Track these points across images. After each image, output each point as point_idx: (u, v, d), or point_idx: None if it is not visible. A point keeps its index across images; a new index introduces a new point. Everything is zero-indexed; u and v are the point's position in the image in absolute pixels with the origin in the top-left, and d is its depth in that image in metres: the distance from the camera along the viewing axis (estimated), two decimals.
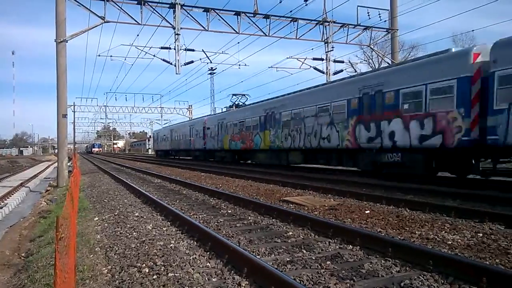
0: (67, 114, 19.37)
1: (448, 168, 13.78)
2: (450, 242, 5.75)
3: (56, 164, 22.90)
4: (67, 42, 18.48)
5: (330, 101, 17.76)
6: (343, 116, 16.74)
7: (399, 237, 6.13)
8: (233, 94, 33.84)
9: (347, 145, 16.54)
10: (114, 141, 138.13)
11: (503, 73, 10.69)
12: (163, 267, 4.98)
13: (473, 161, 12.42)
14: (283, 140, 21.45)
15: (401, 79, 13.95)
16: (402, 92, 13.74)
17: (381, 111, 14.65)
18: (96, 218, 8.88)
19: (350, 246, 5.67)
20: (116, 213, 9.29)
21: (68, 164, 20.72)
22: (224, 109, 36.13)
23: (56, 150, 24.27)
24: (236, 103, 33.27)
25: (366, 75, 16.61)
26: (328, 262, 4.96)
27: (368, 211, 8.35)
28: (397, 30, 25.80)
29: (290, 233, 6.59)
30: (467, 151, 12.03)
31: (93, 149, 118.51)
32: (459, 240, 5.85)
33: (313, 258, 5.17)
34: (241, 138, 27.21)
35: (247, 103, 31.60)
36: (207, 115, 40.29)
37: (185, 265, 5.03)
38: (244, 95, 33.67)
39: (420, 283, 4.19)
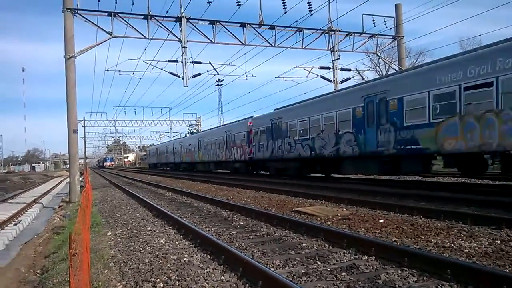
0: (77, 129, 19.56)
1: (256, 169, 29.43)
2: (467, 250, 5.66)
3: (68, 180, 23.07)
4: (75, 58, 18.74)
5: (217, 137, 34.60)
6: (223, 144, 32.75)
7: (414, 246, 6.05)
8: (190, 125, 60.50)
9: (225, 159, 32.51)
10: (125, 155, 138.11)
11: (254, 131, 26.37)
12: (177, 282, 4.96)
13: (268, 166, 26.37)
14: (207, 156, 37.70)
15: (237, 129, 30.22)
16: (235, 135, 30.15)
17: (231, 144, 30.92)
18: (109, 233, 8.91)
19: (365, 256, 5.61)
20: (128, 228, 9.31)
21: (80, 179, 20.86)
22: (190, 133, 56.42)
23: (68, 165, 24.46)
24: (191, 131, 56.57)
25: (228, 125, 34.54)
26: (344, 274, 4.90)
27: (382, 220, 8.26)
28: (403, 36, 25.77)
29: (304, 244, 6.54)
30: (250, 162, 28.29)
31: (105, 163, 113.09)
32: (477, 248, 5.76)
33: (328, 269, 5.12)
34: (190, 155, 44.24)
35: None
36: (176, 138, 58.24)
37: (199, 279, 5.01)
38: (196, 124, 58.70)
39: None
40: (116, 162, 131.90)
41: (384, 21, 24.04)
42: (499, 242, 6.05)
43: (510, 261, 5.08)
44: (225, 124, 37.07)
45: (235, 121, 32.72)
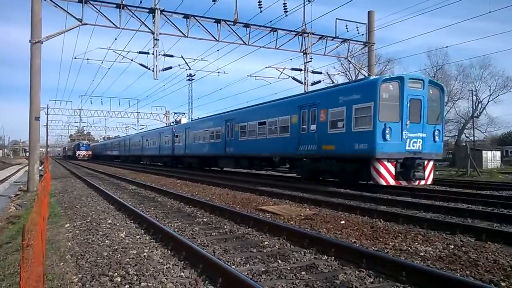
0: (40, 117, 18.90)
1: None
2: (422, 254, 5.85)
3: (27, 168, 22.23)
4: (42, 43, 18.08)
5: (117, 142, 63.23)
6: (123, 147, 58.65)
7: (373, 248, 6.19)
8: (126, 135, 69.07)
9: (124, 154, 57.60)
10: None
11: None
12: (135, 277, 4.88)
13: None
14: (117, 152, 61.93)
15: (134, 138, 54.05)
16: (130, 141, 54.79)
17: (128, 147, 55.21)
18: (67, 225, 8.65)
19: (325, 256, 5.70)
20: (88, 220, 9.07)
21: (40, 168, 20.14)
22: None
23: (27, 153, 23.58)
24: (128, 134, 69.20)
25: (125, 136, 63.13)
26: (303, 273, 4.96)
27: (343, 221, 8.42)
28: (374, 43, 26.34)
29: (266, 242, 6.58)
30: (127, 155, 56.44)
31: (77, 152, 78.79)
32: (431, 252, 5.96)
33: (288, 268, 5.17)
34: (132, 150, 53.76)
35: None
36: (121, 136, 68.41)
37: (158, 275, 4.94)
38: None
39: None
40: None
41: (357, 27, 24.48)
42: (452, 246, 6.29)
43: (461, 265, 5.30)
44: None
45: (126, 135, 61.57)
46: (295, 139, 17.78)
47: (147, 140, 45.27)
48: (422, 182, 14.47)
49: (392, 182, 13.79)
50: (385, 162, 13.69)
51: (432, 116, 14.61)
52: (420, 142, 14.12)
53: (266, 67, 26.46)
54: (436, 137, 14.68)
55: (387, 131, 13.57)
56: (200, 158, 30.63)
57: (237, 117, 24.00)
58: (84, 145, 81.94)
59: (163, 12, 20.06)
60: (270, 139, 19.99)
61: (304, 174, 18.68)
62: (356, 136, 14.45)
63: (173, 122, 47.06)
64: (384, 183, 13.68)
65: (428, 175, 14.60)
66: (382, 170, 13.67)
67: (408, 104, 13.88)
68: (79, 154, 77.48)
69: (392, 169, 13.77)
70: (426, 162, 14.49)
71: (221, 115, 27.10)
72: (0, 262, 6.62)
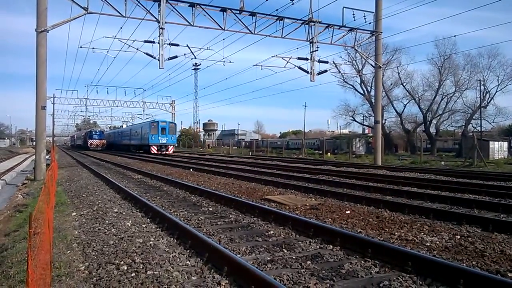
0: (46, 106, 18.95)
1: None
2: (428, 244, 5.83)
3: (33, 157, 22.38)
4: (48, 32, 18.05)
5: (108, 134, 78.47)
6: (112, 138, 70.51)
7: (378, 238, 6.18)
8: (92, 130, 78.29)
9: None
10: None
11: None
12: (141, 265, 4.91)
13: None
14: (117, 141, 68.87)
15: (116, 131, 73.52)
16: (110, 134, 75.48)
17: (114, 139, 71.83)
18: (74, 213, 8.71)
19: (331, 246, 5.69)
20: (94, 209, 9.13)
21: (46, 157, 20.27)
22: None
23: (34, 142, 23.70)
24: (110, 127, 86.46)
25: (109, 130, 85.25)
26: (309, 262, 4.96)
27: (348, 211, 8.41)
28: (381, 32, 26.02)
29: (271, 232, 6.59)
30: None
31: (89, 141, 66.97)
32: (437, 242, 5.94)
33: (294, 257, 5.17)
34: (112, 141, 68.67)
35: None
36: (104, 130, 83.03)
37: (164, 263, 4.96)
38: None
39: (398, 284, 4.24)
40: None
41: (364, 16, 24.15)
42: (458, 237, 6.26)
43: (467, 255, 5.28)
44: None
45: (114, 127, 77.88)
46: (141, 138, 46.98)
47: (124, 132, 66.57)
48: (167, 152, 44.57)
49: (156, 152, 43.76)
50: (154, 146, 44.48)
51: (171, 132, 45.76)
52: (165, 140, 44.93)
53: (272, 56, 26.09)
54: (172, 138, 45.96)
55: (153, 137, 44.27)
56: (122, 145, 56.61)
57: (132, 128, 53.34)
58: (97, 133, 70.76)
59: (169, 1, 19.90)
60: (138, 137, 48.55)
61: (145, 152, 44.99)
62: (148, 138, 44.50)
63: (120, 126, 68.75)
64: (153, 153, 43.20)
65: (169, 151, 45.28)
66: (152, 149, 44.43)
67: (160, 129, 44.80)
68: (91, 144, 66.83)
69: (156, 148, 44.52)
70: (168, 146, 45.33)
71: (129, 126, 58.52)
72: (8, 249, 6.68)
